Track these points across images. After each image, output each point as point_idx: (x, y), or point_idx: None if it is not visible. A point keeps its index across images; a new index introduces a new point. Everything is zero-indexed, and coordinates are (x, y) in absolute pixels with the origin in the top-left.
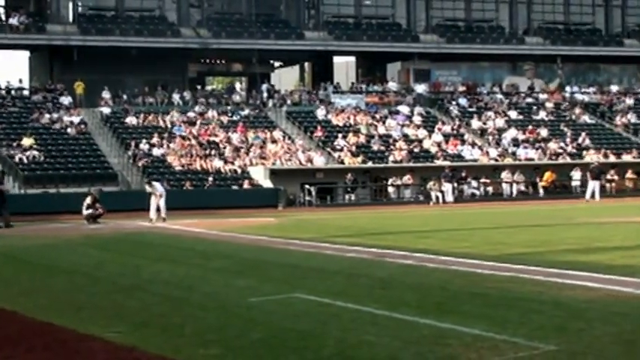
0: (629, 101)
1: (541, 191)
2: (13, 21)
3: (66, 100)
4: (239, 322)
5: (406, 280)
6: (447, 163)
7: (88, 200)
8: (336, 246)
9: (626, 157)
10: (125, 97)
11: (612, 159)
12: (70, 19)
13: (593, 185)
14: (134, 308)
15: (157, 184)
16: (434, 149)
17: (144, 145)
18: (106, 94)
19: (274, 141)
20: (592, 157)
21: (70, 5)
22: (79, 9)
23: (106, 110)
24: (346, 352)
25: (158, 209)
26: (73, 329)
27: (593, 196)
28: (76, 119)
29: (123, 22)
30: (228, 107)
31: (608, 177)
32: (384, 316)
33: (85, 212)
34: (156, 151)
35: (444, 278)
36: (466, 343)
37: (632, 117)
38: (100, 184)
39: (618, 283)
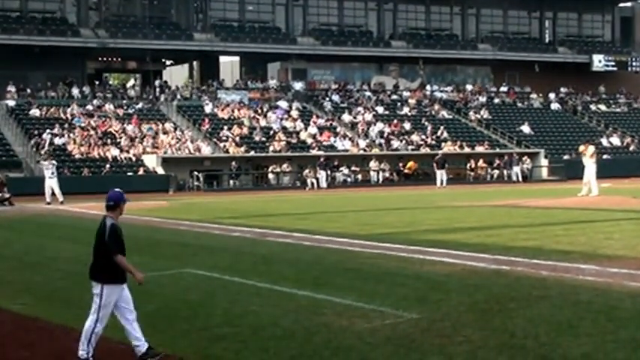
0: (482, 99)
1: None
2: None
3: None
4: (136, 294)
5: (286, 256)
6: (321, 152)
7: None
8: (223, 226)
9: (479, 149)
10: (29, 90)
11: (467, 150)
12: None
13: (440, 174)
14: (39, 283)
15: (46, 163)
16: (310, 140)
17: (46, 135)
18: (11, 88)
19: (166, 132)
20: (449, 147)
21: None
22: None
23: (11, 103)
24: (233, 321)
25: (53, 193)
26: None
27: (442, 183)
28: None
29: (27, 22)
30: (124, 101)
31: (468, 166)
32: (266, 288)
33: None
34: (57, 141)
35: (319, 255)
36: (339, 312)
37: (484, 113)
38: (5, 170)
39: (473, 259)
